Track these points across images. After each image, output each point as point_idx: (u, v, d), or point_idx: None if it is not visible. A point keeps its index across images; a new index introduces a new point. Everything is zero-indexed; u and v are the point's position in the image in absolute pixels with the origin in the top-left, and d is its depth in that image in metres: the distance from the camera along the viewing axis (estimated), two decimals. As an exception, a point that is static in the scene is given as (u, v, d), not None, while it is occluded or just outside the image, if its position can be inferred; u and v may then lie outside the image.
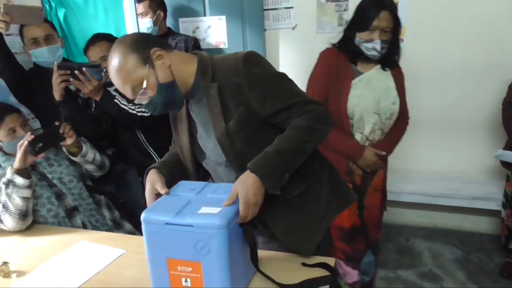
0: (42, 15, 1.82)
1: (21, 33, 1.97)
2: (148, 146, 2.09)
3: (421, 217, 3.19)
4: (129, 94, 1.21)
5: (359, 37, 1.87)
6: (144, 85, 1.18)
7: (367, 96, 1.93)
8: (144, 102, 1.21)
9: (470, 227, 3.10)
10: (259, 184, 1.13)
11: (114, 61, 1.19)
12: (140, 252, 1.46)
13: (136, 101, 1.21)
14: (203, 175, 1.47)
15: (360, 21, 1.88)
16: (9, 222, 1.66)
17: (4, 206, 1.66)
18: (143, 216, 1.09)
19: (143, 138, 2.08)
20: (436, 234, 3.09)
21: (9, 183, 1.65)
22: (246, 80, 1.21)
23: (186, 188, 1.22)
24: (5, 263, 1.39)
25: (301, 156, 1.23)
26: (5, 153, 1.79)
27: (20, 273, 1.40)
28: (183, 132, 1.38)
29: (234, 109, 1.22)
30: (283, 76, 1.28)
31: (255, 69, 1.22)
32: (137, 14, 2.93)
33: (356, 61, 1.95)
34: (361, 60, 1.94)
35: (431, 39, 2.91)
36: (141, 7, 2.85)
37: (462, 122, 2.96)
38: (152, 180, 1.30)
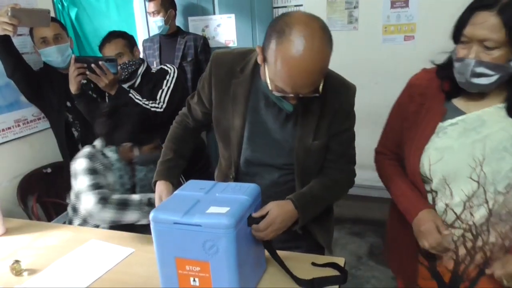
0: (49, 17, 1.83)
1: (31, 33, 2.00)
2: (159, 142, 2.11)
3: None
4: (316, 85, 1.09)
5: (455, 53, 1.18)
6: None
7: (460, 151, 1.17)
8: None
9: None
10: (293, 217, 1.20)
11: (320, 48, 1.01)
12: (149, 251, 1.47)
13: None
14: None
15: (454, 28, 1.21)
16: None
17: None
18: (151, 215, 1.09)
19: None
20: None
21: (150, 204, 1.58)
22: (345, 110, 1.27)
23: (195, 187, 1.22)
24: (16, 261, 1.41)
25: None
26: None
27: (31, 271, 1.41)
28: (236, 115, 1.30)
29: (324, 131, 1.26)
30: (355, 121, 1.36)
31: (353, 105, 1.29)
32: (147, 13, 2.94)
33: (454, 93, 1.21)
34: (465, 93, 1.18)
35: (442, 34, 2.86)
36: (152, 6, 2.86)
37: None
38: (160, 193, 1.35)
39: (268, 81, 1.10)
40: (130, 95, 1.96)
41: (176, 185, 1.33)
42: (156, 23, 2.89)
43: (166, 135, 1.53)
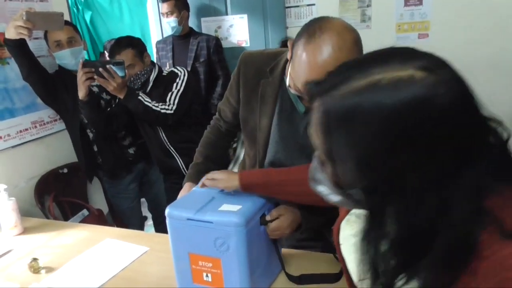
0: (63, 20, 1.87)
1: (45, 37, 2.03)
2: (169, 145, 2.12)
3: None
4: None
5: None
6: None
7: None
8: None
9: None
10: (298, 224, 1.21)
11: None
12: (163, 250, 1.49)
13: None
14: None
15: None
16: None
17: None
18: (167, 211, 1.11)
19: (164, 137, 2.11)
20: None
21: None
22: None
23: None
24: (34, 259, 1.44)
25: None
26: None
27: (49, 269, 1.44)
28: (263, 115, 1.30)
29: None
30: None
31: None
32: (160, 14, 2.97)
33: None
34: None
35: (457, 32, 2.83)
36: (166, 7, 2.88)
37: (491, 118, 2.87)
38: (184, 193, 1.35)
39: (288, 77, 1.10)
40: (139, 98, 1.96)
41: None
42: (170, 24, 2.91)
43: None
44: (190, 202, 1.13)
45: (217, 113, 1.52)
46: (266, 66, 1.28)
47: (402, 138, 0.50)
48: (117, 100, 2.11)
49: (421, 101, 0.50)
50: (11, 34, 1.76)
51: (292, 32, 3.25)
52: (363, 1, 3.02)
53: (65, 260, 1.49)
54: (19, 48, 1.86)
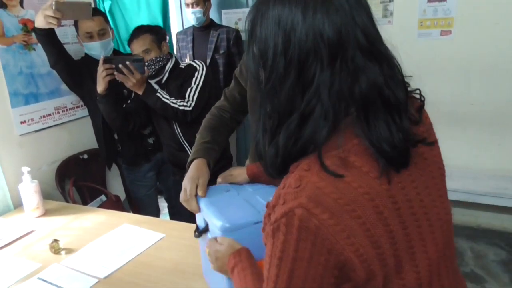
0: (91, 10, 1.89)
1: (76, 25, 2.06)
2: (184, 140, 2.13)
3: (464, 216, 3.08)
4: None
5: None
6: None
7: None
8: None
9: (517, 228, 2.96)
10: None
11: None
12: (179, 237, 1.53)
13: None
14: None
15: None
16: None
17: None
18: (223, 225, 0.98)
19: (179, 132, 2.13)
20: (480, 234, 2.98)
21: None
22: None
23: (220, 190, 1.17)
24: (55, 240, 1.49)
25: None
26: None
27: (68, 251, 1.49)
28: None
29: None
30: None
31: None
32: (185, 4, 2.96)
33: None
34: None
35: (481, 30, 2.78)
36: None
37: (512, 118, 2.82)
38: (197, 174, 1.18)
39: None
40: (158, 94, 1.98)
41: (212, 168, 1.24)
42: (195, 14, 2.92)
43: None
44: (234, 208, 1.04)
45: (222, 99, 1.50)
46: None
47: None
48: (132, 95, 2.13)
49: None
50: (41, 23, 1.78)
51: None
52: (385, -4, 2.98)
53: (84, 242, 1.54)
54: (47, 37, 1.89)
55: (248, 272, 0.84)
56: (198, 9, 2.91)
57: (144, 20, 3.09)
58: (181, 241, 1.49)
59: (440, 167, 0.77)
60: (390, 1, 2.98)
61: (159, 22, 3.23)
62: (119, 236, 1.58)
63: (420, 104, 0.75)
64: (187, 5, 2.95)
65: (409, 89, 0.74)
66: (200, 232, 1.10)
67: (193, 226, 1.18)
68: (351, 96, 0.63)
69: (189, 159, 1.26)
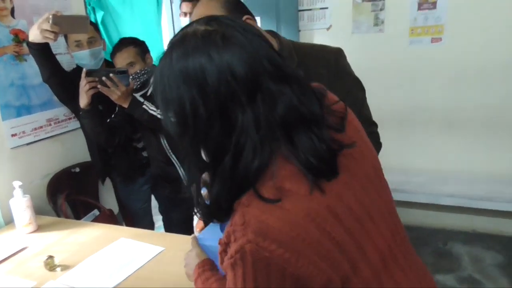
0: (88, 24, 1.83)
1: (65, 35, 2.01)
2: (171, 153, 2.09)
3: (460, 221, 3.09)
4: None
5: None
6: None
7: None
8: None
9: (512, 232, 2.97)
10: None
11: (200, 14, 1.07)
12: (179, 249, 1.48)
13: None
14: None
15: None
16: None
17: None
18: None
19: (167, 145, 2.08)
20: (476, 239, 2.98)
21: None
22: (335, 73, 1.22)
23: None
24: (50, 257, 1.44)
25: None
26: None
27: (64, 267, 1.44)
28: None
29: None
30: (363, 86, 1.31)
31: (346, 66, 1.26)
32: (181, 12, 2.92)
33: None
34: None
35: (471, 36, 2.81)
36: (188, 6, 2.84)
37: (505, 122, 2.85)
38: None
39: None
40: (144, 106, 1.92)
41: None
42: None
43: None
44: None
45: None
46: None
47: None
48: (116, 109, 2.06)
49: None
50: (36, 37, 1.71)
51: (305, 35, 3.25)
52: (376, 5, 3.01)
53: (81, 258, 1.49)
54: (42, 51, 1.82)
55: (213, 279, 0.88)
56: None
57: (138, 31, 3.05)
58: (182, 254, 1.45)
59: (374, 162, 0.80)
60: (381, 10, 3.00)
61: (154, 33, 3.20)
62: (116, 250, 1.53)
63: (344, 112, 0.78)
64: (184, 14, 2.90)
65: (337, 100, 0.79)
66: None
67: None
68: (274, 123, 0.66)
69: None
